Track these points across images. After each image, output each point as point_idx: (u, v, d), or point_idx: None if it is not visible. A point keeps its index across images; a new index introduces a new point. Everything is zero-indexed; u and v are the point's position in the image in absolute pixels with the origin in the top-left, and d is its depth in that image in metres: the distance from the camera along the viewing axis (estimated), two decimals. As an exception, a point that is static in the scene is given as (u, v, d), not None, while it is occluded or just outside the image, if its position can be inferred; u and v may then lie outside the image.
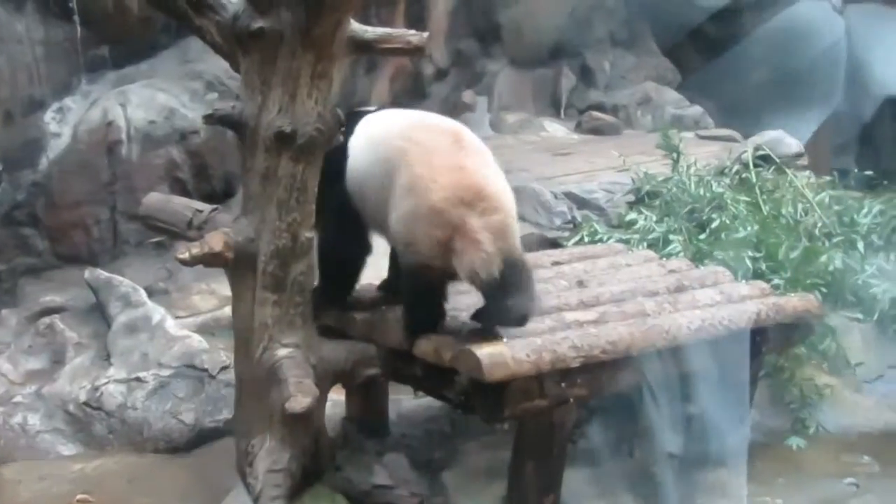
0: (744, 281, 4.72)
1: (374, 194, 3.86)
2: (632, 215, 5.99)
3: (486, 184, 3.64)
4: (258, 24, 3.71)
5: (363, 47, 3.95)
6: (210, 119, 4.01)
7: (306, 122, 3.75)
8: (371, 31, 3.95)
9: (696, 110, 8.84)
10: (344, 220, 3.98)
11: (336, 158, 3.91)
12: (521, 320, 3.68)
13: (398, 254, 3.78)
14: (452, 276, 3.65)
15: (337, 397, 4.53)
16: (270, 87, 3.76)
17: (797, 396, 4.83)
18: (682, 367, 4.05)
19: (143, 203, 4.53)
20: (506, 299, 3.60)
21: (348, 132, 3.96)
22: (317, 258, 3.97)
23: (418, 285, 3.72)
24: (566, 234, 6.06)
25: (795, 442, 4.66)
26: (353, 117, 4.01)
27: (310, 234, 3.86)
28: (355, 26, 3.87)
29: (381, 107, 4.84)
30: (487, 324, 3.77)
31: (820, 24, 8.82)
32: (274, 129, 3.74)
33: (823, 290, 5.14)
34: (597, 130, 8.57)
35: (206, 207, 4.28)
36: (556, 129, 8.55)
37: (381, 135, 3.91)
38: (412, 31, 4.08)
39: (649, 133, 8.21)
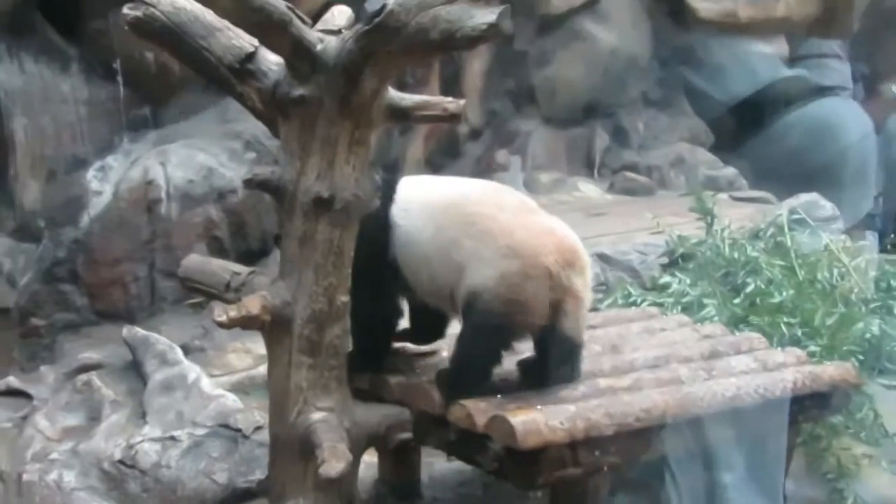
0: (779, 348, 4.67)
1: (441, 258, 3.89)
2: (666, 278, 5.95)
3: (578, 245, 3.87)
4: (298, 91, 3.77)
5: (400, 114, 3.99)
6: (249, 184, 4.07)
7: (344, 188, 3.79)
8: (408, 99, 3.99)
9: (729, 171, 8.80)
10: (380, 286, 4.02)
11: (375, 227, 3.94)
12: (570, 380, 3.90)
13: (475, 312, 3.77)
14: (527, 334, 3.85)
15: (369, 458, 4.53)
16: (309, 153, 3.81)
17: (834, 466, 4.75)
18: (717, 435, 4.01)
19: (182, 265, 4.58)
20: (568, 360, 3.88)
21: (386, 200, 4.00)
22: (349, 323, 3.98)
23: (494, 344, 3.80)
24: (599, 295, 6.02)
25: (833, 513, 4.61)
26: (385, 185, 4.04)
27: (345, 299, 3.88)
28: (392, 94, 3.92)
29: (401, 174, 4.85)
30: (545, 383, 3.87)
31: (845, 119, 8.89)
32: (312, 194, 3.79)
33: (860, 357, 5.07)
34: (630, 191, 8.57)
35: (243, 270, 4.31)
36: (589, 190, 8.57)
37: (445, 202, 3.97)
38: (449, 99, 4.10)
39: (682, 195, 8.20)
